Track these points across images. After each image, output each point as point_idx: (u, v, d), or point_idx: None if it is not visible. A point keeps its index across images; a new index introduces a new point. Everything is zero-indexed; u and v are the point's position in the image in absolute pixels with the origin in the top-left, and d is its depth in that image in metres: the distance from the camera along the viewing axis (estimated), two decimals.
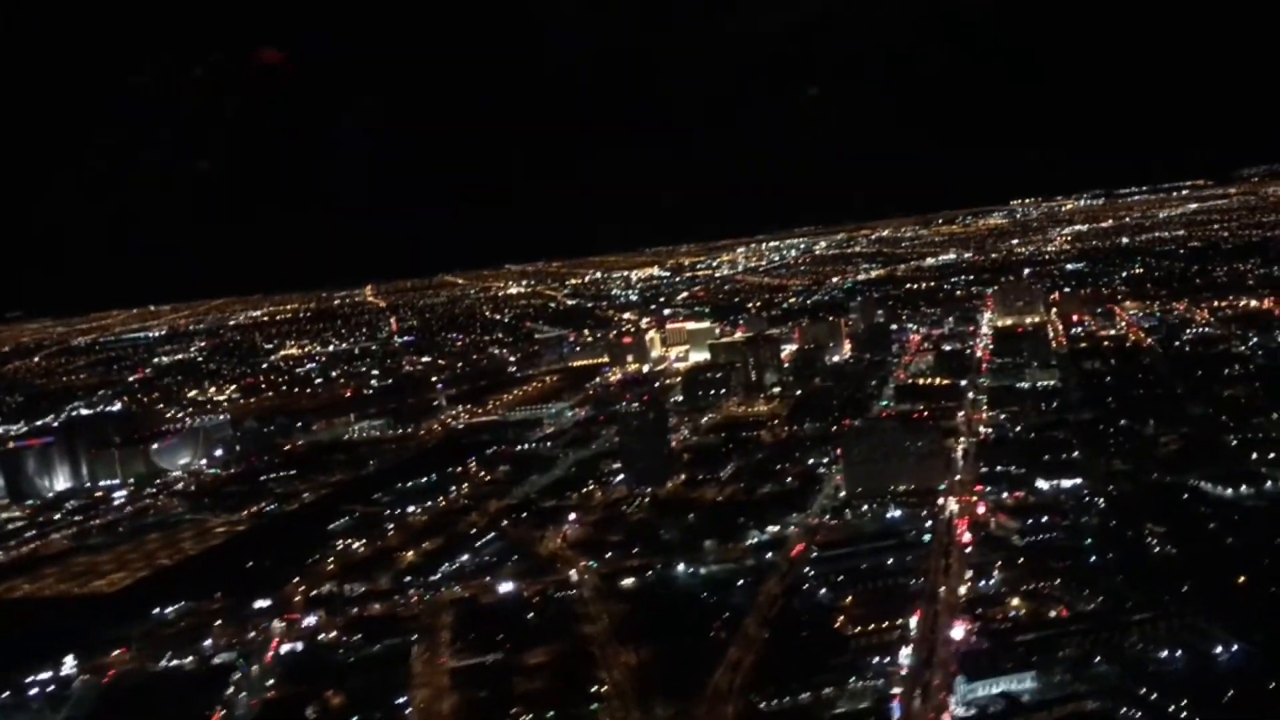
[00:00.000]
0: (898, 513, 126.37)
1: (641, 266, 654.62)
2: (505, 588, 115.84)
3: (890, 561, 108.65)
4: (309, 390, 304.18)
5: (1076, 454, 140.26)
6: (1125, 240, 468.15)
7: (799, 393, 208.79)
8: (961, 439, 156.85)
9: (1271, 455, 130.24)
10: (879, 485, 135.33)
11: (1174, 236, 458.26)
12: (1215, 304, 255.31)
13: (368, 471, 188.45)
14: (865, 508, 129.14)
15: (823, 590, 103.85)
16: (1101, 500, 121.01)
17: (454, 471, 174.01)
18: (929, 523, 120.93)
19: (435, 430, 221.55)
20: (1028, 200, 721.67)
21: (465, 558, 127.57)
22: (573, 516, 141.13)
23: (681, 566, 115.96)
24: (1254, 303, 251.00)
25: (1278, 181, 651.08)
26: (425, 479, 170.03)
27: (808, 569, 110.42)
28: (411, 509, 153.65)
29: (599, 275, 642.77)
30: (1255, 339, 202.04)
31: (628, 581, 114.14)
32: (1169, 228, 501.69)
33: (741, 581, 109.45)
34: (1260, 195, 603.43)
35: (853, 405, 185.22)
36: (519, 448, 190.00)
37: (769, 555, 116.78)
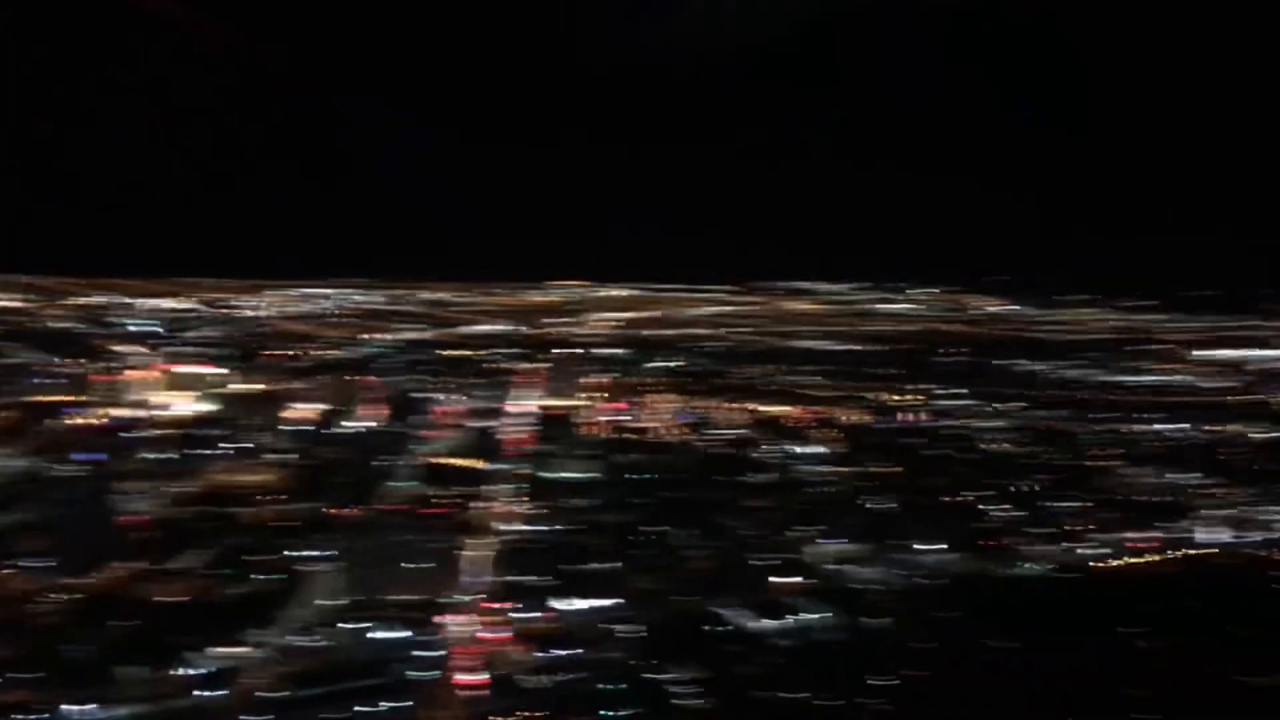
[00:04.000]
0: (393, 634, 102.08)
1: (169, 295, 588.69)
2: None
3: (368, 713, 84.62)
4: None
5: (606, 565, 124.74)
6: (663, 331, 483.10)
7: (306, 462, 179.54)
8: (483, 538, 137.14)
9: (798, 579, 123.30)
10: (376, 593, 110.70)
11: (706, 334, 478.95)
12: (746, 405, 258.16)
13: None
14: (353, 625, 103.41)
15: None
16: (634, 629, 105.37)
17: None
18: (430, 651, 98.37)
19: None
20: (572, 282, 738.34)
21: None
22: None
23: (76, 708, 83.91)
24: (780, 408, 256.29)
25: (793, 297, 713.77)
26: None
27: None
28: None
29: (122, 299, 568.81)
30: (782, 446, 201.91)
31: None
32: (699, 325, 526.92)
33: None
34: (774, 306, 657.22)
35: (364, 485, 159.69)
36: None
37: (206, 693, 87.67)
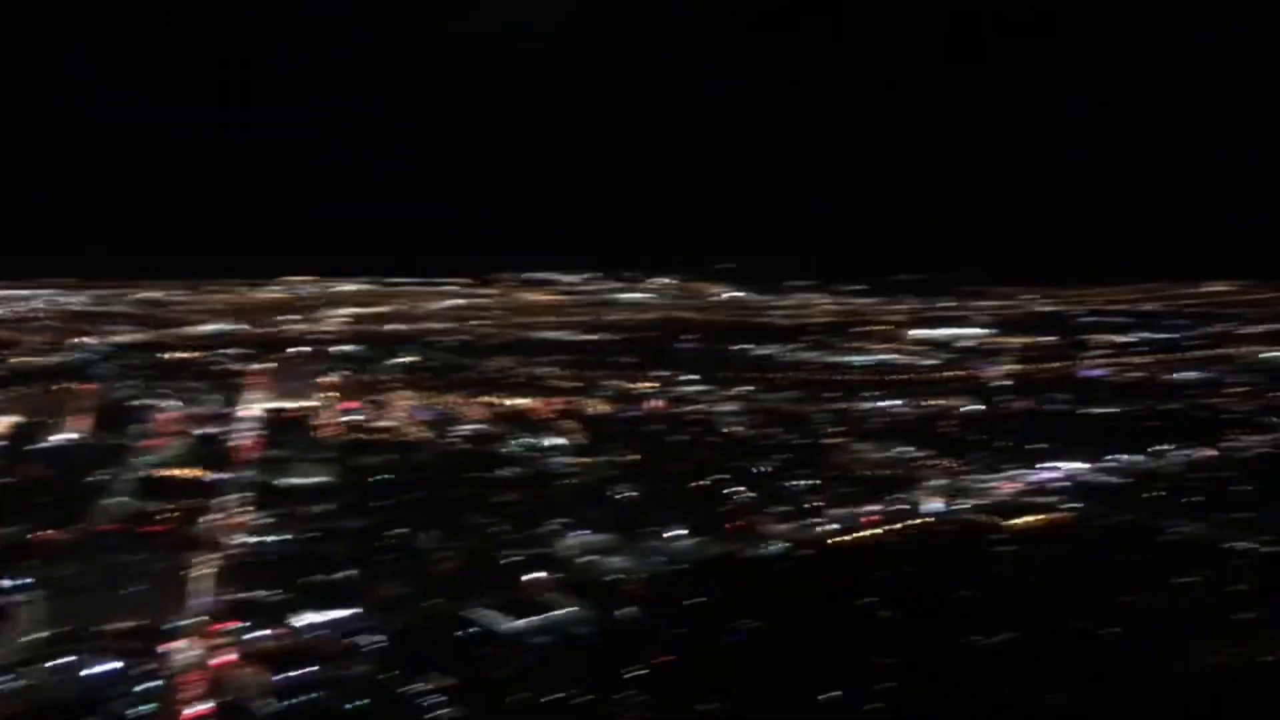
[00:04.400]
0: (108, 667, 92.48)
1: None
2: None
3: None
4: None
5: (346, 573, 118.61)
6: (400, 326, 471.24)
7: (5, 481, 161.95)
8: (210, 553, 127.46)
9: (549, 574, 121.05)
10: (88, 623, 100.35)
11: (443, 328, 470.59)
12: (487, 399, 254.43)
13: None
14: (62, 660, 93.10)
15: None
16: (378, 639, 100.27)
17: None
18: (151, 682, 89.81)
19: None
20: (302, 277, 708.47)
21: None
22: None
23: None
24: (522, 400, 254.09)
25: (530, 288, 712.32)
26: None
27: None
28: None
29: None
30: (526, 439, 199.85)
31: None
32: (437, 319, 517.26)
33: None
34: (512, 298, 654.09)
35: (73, 504, 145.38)
36: None
37: None
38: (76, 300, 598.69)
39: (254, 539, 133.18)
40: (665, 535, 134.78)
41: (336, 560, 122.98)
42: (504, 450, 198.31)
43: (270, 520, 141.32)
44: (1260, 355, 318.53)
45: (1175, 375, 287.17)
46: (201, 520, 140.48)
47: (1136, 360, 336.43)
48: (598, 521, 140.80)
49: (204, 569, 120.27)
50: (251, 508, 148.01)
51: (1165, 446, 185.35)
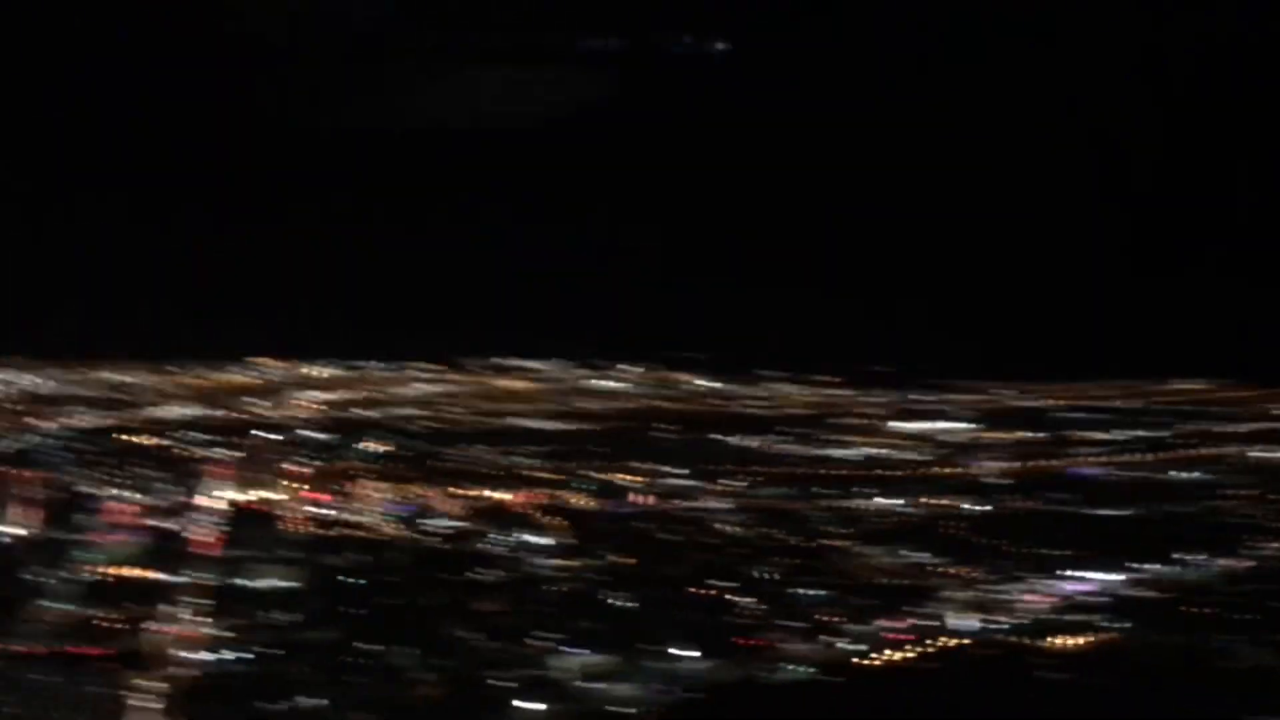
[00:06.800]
0: None
1: None
2: None
3: None
4: None
5: (316, 701, 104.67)
6: (369, 413, 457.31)
7: None
8: (157, 671, 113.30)
9: (557, 705, 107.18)
10: None
11: (416, 414, 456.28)
12: (461, 491, 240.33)
13: None
14: None
15: None
16: None
17: None
18: None
19: None
20: (271, 359, 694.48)
21: None
22: None
23: None
24: (497, 494, 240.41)
25: (502, 375, 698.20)
26: None
27: None
28: None
29: None
30: (506, 537, 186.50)
31: None
32: (409, 405, 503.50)
33: None
34: (484, 385, 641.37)
35: (4, 609, 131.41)
36: None
37: None
38: (35, 382, 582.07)
39: (209, 655, 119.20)
40: (671, 654, 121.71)
41: (302, 682, 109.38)
42: (482, 549, 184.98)
43: (228, 632, 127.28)
44: (1249, 455, 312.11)
45: (1171, 475, 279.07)
46: (149, 631, 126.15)
47: (1129, 459, 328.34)
48: (594, 635, 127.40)
49: (149, 694, 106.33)
50: (208, 616, 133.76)
51: (1189, 555, 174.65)
